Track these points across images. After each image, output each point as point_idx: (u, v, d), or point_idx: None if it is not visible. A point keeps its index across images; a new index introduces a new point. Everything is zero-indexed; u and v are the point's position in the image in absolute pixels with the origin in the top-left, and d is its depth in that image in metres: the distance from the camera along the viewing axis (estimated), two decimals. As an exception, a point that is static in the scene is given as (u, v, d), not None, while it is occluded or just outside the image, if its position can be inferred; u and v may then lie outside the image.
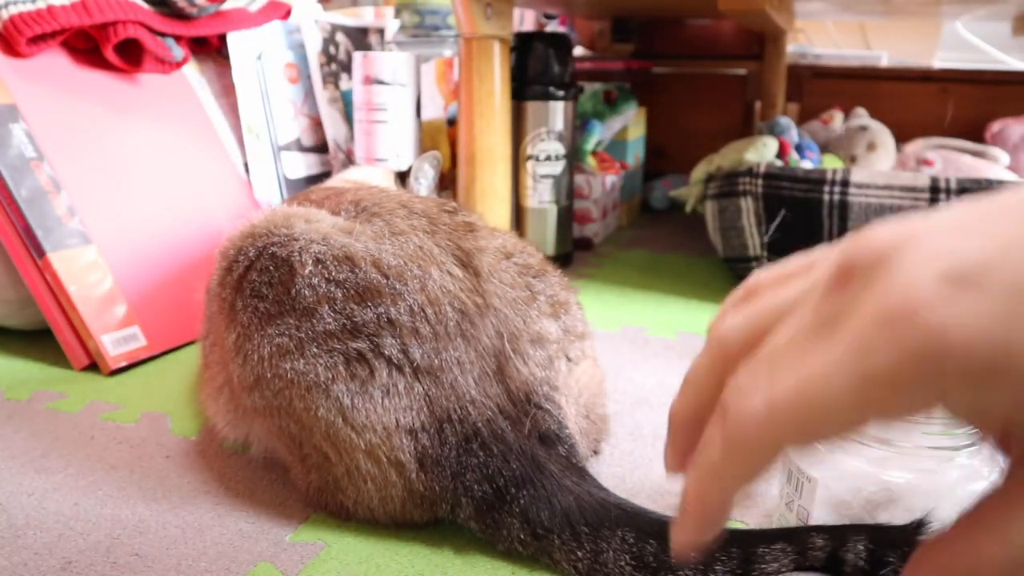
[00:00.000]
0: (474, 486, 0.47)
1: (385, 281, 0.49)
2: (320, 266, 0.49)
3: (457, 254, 0.52)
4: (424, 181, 0.87)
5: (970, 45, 1.68)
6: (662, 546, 0.43)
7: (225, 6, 0.97)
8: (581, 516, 0.45)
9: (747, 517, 0.52)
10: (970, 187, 0.86)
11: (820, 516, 0.44)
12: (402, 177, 0.86)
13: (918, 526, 0.41)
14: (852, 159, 1.19)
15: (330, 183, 0.82)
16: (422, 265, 0.50)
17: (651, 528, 0.44)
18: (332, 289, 0.49)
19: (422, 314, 0.49)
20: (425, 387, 0.48)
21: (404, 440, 0.48)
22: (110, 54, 0.85)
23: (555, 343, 0.54)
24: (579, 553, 0.45)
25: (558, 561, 0.46)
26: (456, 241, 0.53)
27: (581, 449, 0.53)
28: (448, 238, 0.53)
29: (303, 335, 0.48)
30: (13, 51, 0.79)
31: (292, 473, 0.54)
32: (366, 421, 0.48)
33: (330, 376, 0.48)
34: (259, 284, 0.50)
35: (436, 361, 0.48)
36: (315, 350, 0.48)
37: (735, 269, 1.03)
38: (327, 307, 0.48)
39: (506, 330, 0.51)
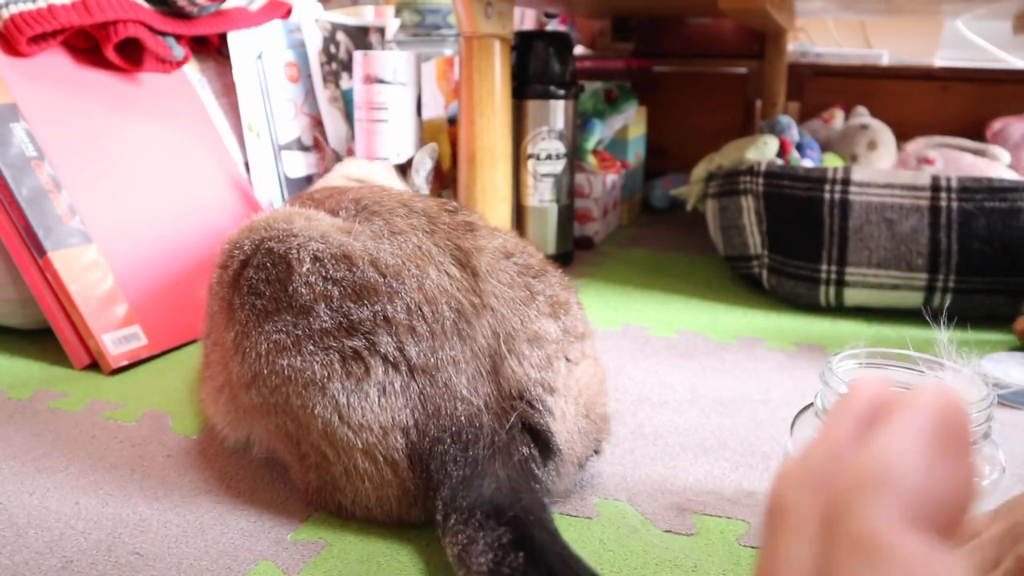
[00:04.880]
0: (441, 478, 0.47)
1: (382, 280, 0.49)
2: (318, 264, 0.49)
3: (455, 254, 0.52)
4: (423, 171, 0.88)
5: (971, 43, 1.68)
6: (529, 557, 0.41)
7: (225, 5, 0.97)
8: (491, 504, 0.45)
9: (749, 516, 0.52)
10: (971, 185, 0.86)
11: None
12: (402, 169, 0.86)
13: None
14: (853, 158, 1.19)
15: (330, 177, 0.82)
16: (420, 264, 0.50)
17: (533, 544, 0.42)
18: (329, 287, 0.49)
19: (419, 313, 0.49)
20: (420, 386, 0.48)
21: (399, 439, 0.48)
22: (111, 53, 0.85)
23: (554, 343, 0.53)
24: (459, 537, 0.44)
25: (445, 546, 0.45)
26: (455, 240, 0.53)
27: (567, 454, 0.52)
28: (447, 237, 0.53)
29: (300, 332, 0.48)
30: (14, 50, 0.79)
31: (291, 472, 0.54)
32: (363, 420, 0.48)
33: (326, 374, 0.48)
34: (256, 281, 0.51)
35: (432, 360, 0.48)
36: (311, 347, 0.48)
37: (736, 267, 1.03)
38: (324, 305, 0.48)
39: (502, 330, 0.51)
